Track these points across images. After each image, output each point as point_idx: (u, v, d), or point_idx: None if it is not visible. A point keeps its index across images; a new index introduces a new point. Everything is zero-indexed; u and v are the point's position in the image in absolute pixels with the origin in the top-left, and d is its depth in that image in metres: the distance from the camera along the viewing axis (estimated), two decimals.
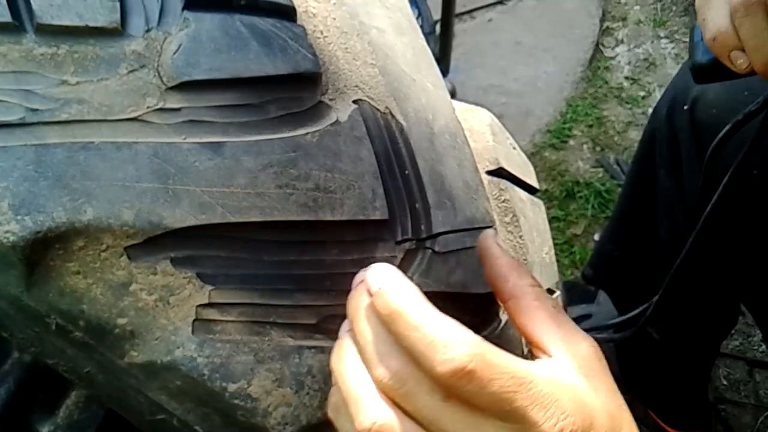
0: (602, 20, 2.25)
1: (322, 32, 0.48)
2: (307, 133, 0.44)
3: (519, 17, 2.24)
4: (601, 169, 1.91)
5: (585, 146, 1.97)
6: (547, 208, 1.82)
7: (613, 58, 2.17)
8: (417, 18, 1.36)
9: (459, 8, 2.21)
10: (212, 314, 0.43)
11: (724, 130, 0.67)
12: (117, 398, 0.48)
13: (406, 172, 0.49)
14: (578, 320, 1.45)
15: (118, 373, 0.45)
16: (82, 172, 0.39)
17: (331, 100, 0.47)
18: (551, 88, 2.06)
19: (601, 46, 2.20)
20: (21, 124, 0.39)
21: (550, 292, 0.64)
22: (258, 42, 0.43)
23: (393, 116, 0.49)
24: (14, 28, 0.39)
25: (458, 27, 2.22)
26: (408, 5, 0.60)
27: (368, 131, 0.47)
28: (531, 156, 1.92)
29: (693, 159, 0.87)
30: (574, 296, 1.54)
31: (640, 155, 1.09)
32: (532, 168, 0.67)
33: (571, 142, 1.97)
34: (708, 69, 0.56)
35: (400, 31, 0.55)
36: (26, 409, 0.53)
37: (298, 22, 0.47)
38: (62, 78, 0.40)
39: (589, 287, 1.52)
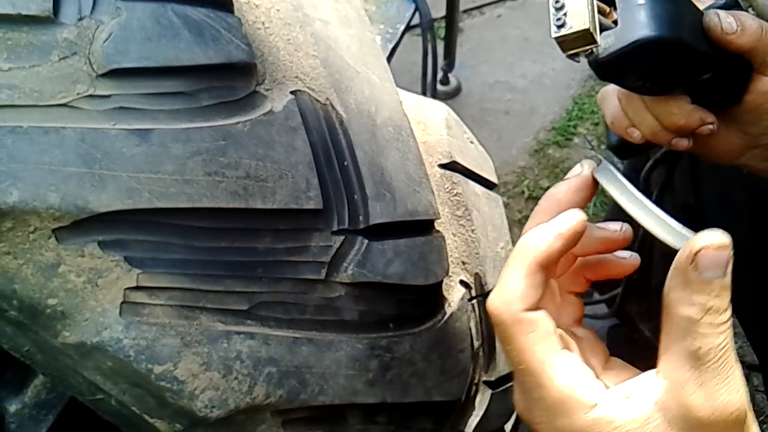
0: None
1: (263, 23, 0.49)
2: (239, 122, 0.45)
3: (528, 13, 2.23)
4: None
5: (587, 144, 1.96)
6: None
7: None
8: (414, 12, 1.36)
9: (468, 3, 2.20)
10: (140, 297, 0.44)
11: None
12: (59, 378, 0.49)
13: (345, 162, 0.49)
14: None
15: (55, 352, 0.46)
16: (8, 156, 0.40)
17: (267, 90, 0.47)
18: (558, 86, 2.05)
19: None
20: None
21: None
22: (190, 31, 0.44)
23: (333, 107, 0.49)
24: None
25: (466, 22, 2.22)
26: None
27: (305, 122, 0.48)
28: (535, 153, 1.91)
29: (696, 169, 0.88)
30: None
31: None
32: (491, 163, 0.68)
33: (576, 140, 1.96)
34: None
35: (347, 23, 0.55)
36: None
37: (240, 12, 0.48)
38: None
39: None
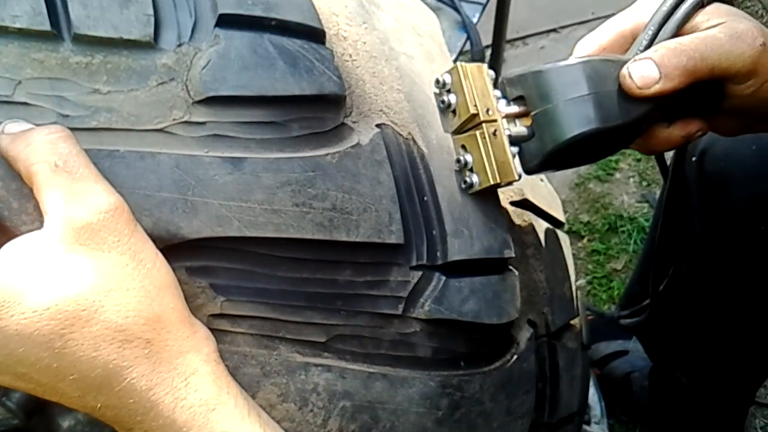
0: None
1: (351, 55, 0.49)
2: (327, 154, 0.45)
3: (570, 46, 2.21)
4: (646, 205, 1.88)
5: (631, 180, 1.94)
6: (588, 241, 1.80)
7: None
8: (466, 42, 1.37)
9: (512, 34, 2.21)
10: (223, 324, 0.44)
11: None
12: None
13: (425, 198, 0.49)
14: (614, 356, 1.42)
15: None
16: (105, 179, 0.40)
17: (354, 122, 0.47)
18: None
19: None
20: None
21: (570, 327, 0.64)
22: (285, 62, 0.44)
23: (415, 142, 0.49)
24: (53, 36, 0.41)
25: (510, 52, 2.22)
26: (440, 33, 0.61)
27: (389, 155, 0.48)
28: (575, 186, 1.90)
29: (702, 210, 0.87)
30: (612, 331, 1.51)
31: (668, 193, 1.08)
32: (558, 201, 0.67)
33: (617, 175, 1.95)
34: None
35: (430, 58, 0.55)
36: (48, 402, 0.55)
37: (329, 44, 0.48)
38: (95, 87, 0.41)
39: None
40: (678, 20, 0.52)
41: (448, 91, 0.50)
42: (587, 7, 2.26)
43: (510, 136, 0.49)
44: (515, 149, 0.49)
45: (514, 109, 0.50)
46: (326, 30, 0.48)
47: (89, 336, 0.38)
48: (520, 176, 0.49)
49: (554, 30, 2.27)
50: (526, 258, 0.59)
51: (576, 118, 0.48)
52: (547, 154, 0.49)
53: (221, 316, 0.44)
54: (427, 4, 1.43)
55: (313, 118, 0.45)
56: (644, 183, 1.94)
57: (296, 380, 0.45)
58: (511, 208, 0.59)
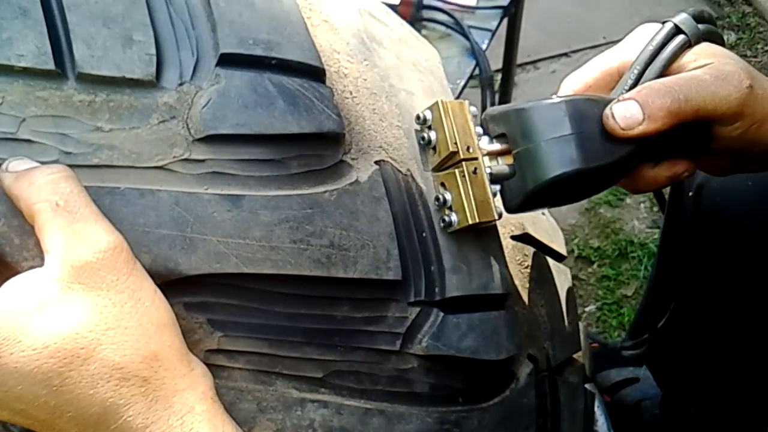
0: None
1: (351, 92, 0.50)
2: (326, 191, 0.46)
3: None
4: (657, 230, 1.87)
5: (642, 205, 1.94)
6: (599, 266, 1.79)
7: None
8: (475, 68, 1.37)
9: (523, 58, 2.22)
10: (220, 360, 0.44)
11: None
12: None
13: (424, 234, 0.49)
14: (624, 384, 1.41)
15: None
16: (105, 216, 0.40)
17: (353, 159, 0.48)
18: None
19: None
20: None
21: (571, 362, 0.64)
22: (284, 101, 0.45)
23: (413, 179, 0.50)
24: (57, 75, 0.42)
25: (521, 76, 2.22)
26: (441, 69, 0.61)
27: (387, 192, 0.48)
28: (586, 211, 1.90)
29: (700, 244, 0.86)
30: (622, 358, 1.50)
31: (665, 227, 1.08)
32: (561, 234, 0.67)
33: (628, 200, 1.94)
34: None
35: (431, 94, 0.56)
36: None
37: (330, 81, 0.49)
38: (97, 124, 0.42)
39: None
40: (664, 60, 0.51)
41: (429, 128, 0.50)
42: (599, 32, 2.27)
43: (491, 174, 0.49)
44: (496, 187, 0.49)
45: (496, 146, 0.50)
46: (327, 67, 0.49)
47: (87, 374, 0.38)
48: (500, 216, 0.49)
49: (565, 54, 2.28)
50: (526, 292, 0.59)
51: (558, 158, 0.47)
52: (528, 194, 0.49)
53: (218, 351, 0.44)
54: (436, 30, 1.44)
55: (312, 155, 0.46)
56: (655, 208, 1.93)
57: (292, 416, 0.45)
58: (512, 242, 0.59)
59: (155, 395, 0.39)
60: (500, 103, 1.91)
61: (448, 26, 1.42)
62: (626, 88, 0.51)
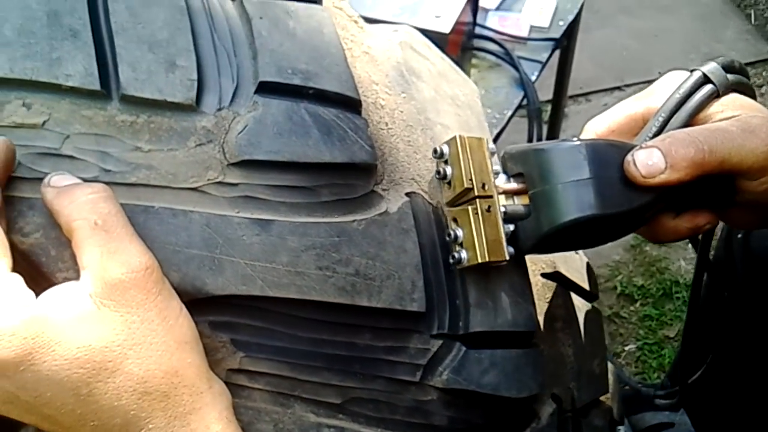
0: None
1: (387, 124, 0.51)
2: (354, 220, 0.46)
3: None
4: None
5: (689, 245, 1.90)
6: (641, 305, 1.77)
7: None
8: (522, 99, 1.37)
9: (575, 90, 2.21)
10: (241, 380, 0.45)
11: None
12: None
13: (451, 267, 0.50)
14: (658, 428, 1.38)
15: None
16: (138, 233, 0.42)
17: (384, 190, 0.49)
18: None
19: None
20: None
21: (598, 404, 0.63)
22: (319, 130, 0.46)
23: (443, 211, 0.50)
24: (102, 95, 0.43)
25: (572, 108, 2.22)
26: (479, 104, 0.62)
27: (416, 224, 0.49)
28: (631, 248, 1.88)
29: (748, 287, 0.84)
30: (665, 403, 1.47)
31: (702, 270, 1.05)
32: (594, 274, 0.67)
33: None
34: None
35: (467, 128, 0.56)
36: None
37: (366, 112, 0.50)
38: (137, 144, 0.44)
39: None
40: (691, 109, 0.50)
41: (446, 162, 0.49)
42: (654, 67, 2.25)
43: (505, 213, 0.48)
44: (510, 227, 0.49)
45: (513, 185, 0.49)
46: (364, 98, 0.50)
47: (113, 386, 0.39)
48: (511, 256, 0.48)
49: (618, 88, 2.27)
50: (554, 331, 0.59)
51: (574, 202, 0.46)
52: (542, 236, 0.48)
53: (240, 371, 0.45)
54: (486, 60, 1.45)
55: (343, 184, 0.47)
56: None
57: None
58: (541, 280, 0.59)
59: (174, 411, 0.40)
60: (549, 134, 1.90)
61: (498, 56, 1.43)
62: (650, 135, 0.50)
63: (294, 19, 0.49)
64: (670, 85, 0.52)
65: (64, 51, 0.43)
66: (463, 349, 0.49)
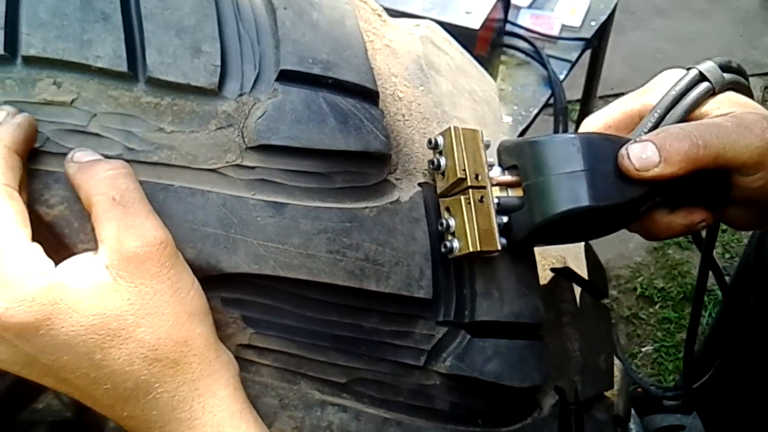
0: None
1: (404, 115, 0.52)
2: (366, 207, 0.48)
3: None
4: (726, 278, 1.83)
5: (714, 251, 1.90)
6: (660, 308, 1.76)
7: None
8: (549, 98, 1.38)
9: (606, 90, 2.20)
10: (250, 355, 0.47)
11: None
12: None
13: (449, 257, 0.51)
14: (669, 431, 1.38)
15: None
16: (157, 210, 0.44)
17: (397, 179, 0.50)
18: None
19: None
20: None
21: (601, 399, 0.64)
22: (336, 119, 0.47)
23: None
24: (129, 77, 0.45)
25: (601, 108, 2.20)
26: (496, 99, 0.63)
27: (427, 213, 0.50)
28: (653, 251, 1.87)
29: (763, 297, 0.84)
30: (672, 404, 1.47)
31: (735, 276, 1.05)
32: (605, 272, 0.67)
33: None
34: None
35: (483, 123, 0.58)
36: None
37: (384, 103, 0.51)
38: (160, 125, 0.45)
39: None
40: (686, 106, 0.50)
41: (440, 153, 0.50)
42: None
43: (499, 204, 0.49)
44: (504, 218, 0.49)
45: (507, 177, 0.50)
46: (383, 90, 0.51)
47: (125, 352, 0.41)
48: (503, 246, 0.49)
49: None
50: (560, 325, 0.60)
51: (567, 194, 0.47)
52: (534, 227, 0.48)
53: (249, 347, 0.47)
54: (516, 57, 1.45)
55: (357, 172, 0.48)
56: (727, 255, 1.88)
57: (312, 416, 0.48)
58: (550, 275, 0.60)
59: (183, 377, 0.42)
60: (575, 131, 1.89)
61: (527, 54, 1.43)
62: (645, 131, 0.50)
63: (317, 10, 0.51)
64: (667, 82, 0.52)
65: (94, 33, 0.45)
66: (468, 337, 0.51)
